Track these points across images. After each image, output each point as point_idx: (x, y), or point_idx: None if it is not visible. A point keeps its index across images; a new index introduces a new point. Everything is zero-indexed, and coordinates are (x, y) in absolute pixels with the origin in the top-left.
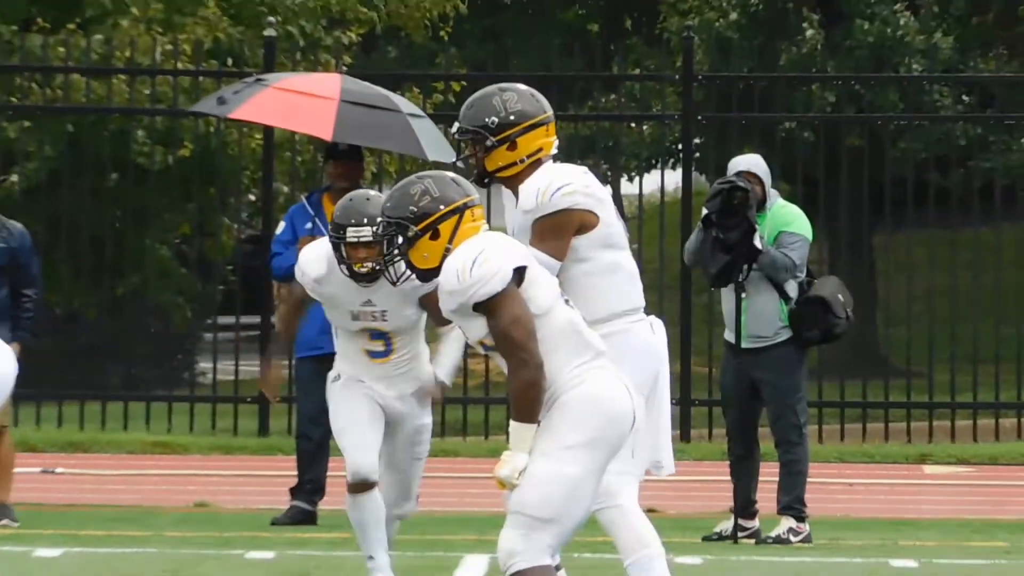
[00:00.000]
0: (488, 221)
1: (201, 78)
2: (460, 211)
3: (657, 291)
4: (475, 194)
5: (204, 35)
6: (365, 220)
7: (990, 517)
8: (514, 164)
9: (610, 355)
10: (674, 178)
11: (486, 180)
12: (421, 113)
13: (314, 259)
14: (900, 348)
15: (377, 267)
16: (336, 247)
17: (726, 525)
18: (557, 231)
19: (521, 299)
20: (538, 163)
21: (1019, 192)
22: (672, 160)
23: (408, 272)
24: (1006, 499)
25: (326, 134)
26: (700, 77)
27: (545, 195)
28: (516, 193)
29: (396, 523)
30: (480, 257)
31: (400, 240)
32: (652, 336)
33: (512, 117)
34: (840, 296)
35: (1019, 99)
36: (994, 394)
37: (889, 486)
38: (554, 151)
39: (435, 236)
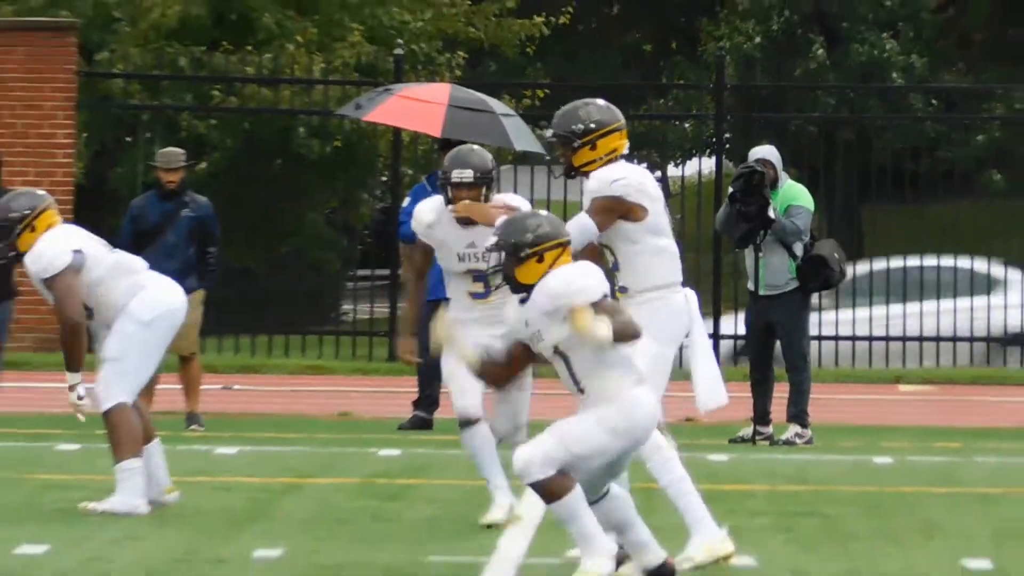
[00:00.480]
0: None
1: (346, 87)
2: (564, 245)
3: (695, 251)
4: (569, 235)
5: (348, 55)
6: (467, 166)
7: (948, 424)
8: (595, 161)
9: (652, 315)
10: (709, 164)
11: (572, 173)
12: (512, 113)
13: (427, 210)
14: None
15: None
16: (444, 190)
17: (747, 431)
18: (605, 210)
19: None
20: (613, 160)
21: (974, 175)
22: (707, 150)
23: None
24: (961, 411)
25: (436, 132)
26: (729, 86)
27: (604, 183)
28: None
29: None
30: (583, 275)
31: (506, 258)
32: (685, 303)
33: (593, 125)
34: (836, 255)
35: (974, 104)
36: (952, 329)
37: (872, 400)
38: (626, 151)
39: (540, 260)
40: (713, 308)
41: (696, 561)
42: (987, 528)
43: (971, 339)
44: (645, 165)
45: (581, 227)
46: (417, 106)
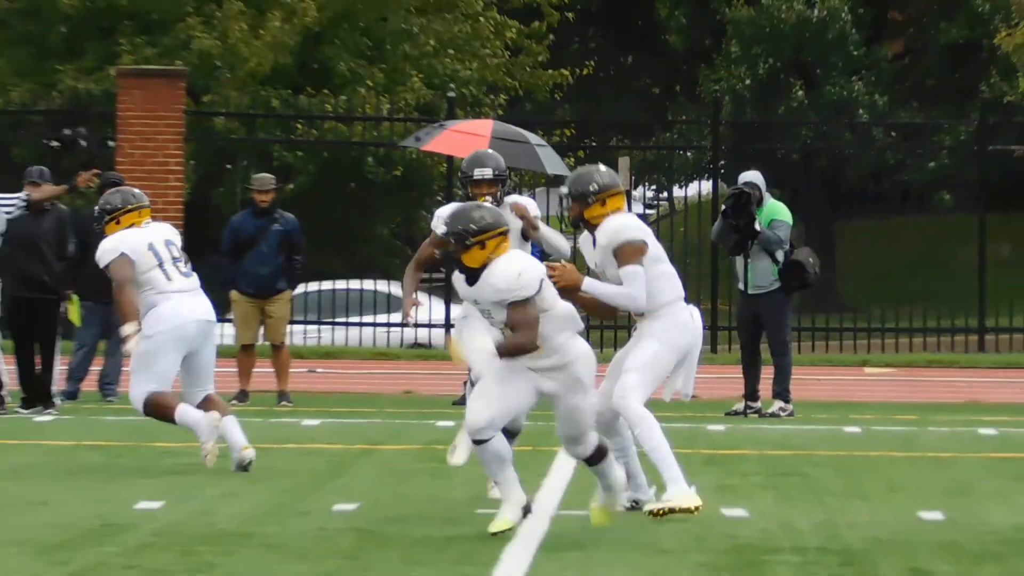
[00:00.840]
0: None
1: (407, 123)
2: (504, 234)
3: (696, 258)
4: (508, 225)
5: (410, 97)
6: (486, 165)
7: (906, 400)
8: (604, 215)
9: (662, 325)
10: (706, 187)
11: (580, 224)
12: (544, 144)
13: (448, 209)
14: (850, 294)
15: (495, 202)
16: (465, 187)
17: (740, 406)
18: (634, 253)
19: (536, 303)
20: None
21: (928, 195)
22: (705, 175)
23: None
24: (917, 389)
25: None
26: (724, 122)
27: (614, 234)
28: (593, 234)
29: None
30: (525, 270)
31: (454, 244)
32: (691, 319)
33: (604, 185)
34: (811, 260)
35: (926, 136)
36: (908, 322)
37: (843, 380)
38: (625, 208)
39: (483, 247)
40: (712, 303)
41: (671, 504)
42: (939, 486)
43: (924, 330)
44: (654, 187)
45: (633, 275)
46: (466, 138)
